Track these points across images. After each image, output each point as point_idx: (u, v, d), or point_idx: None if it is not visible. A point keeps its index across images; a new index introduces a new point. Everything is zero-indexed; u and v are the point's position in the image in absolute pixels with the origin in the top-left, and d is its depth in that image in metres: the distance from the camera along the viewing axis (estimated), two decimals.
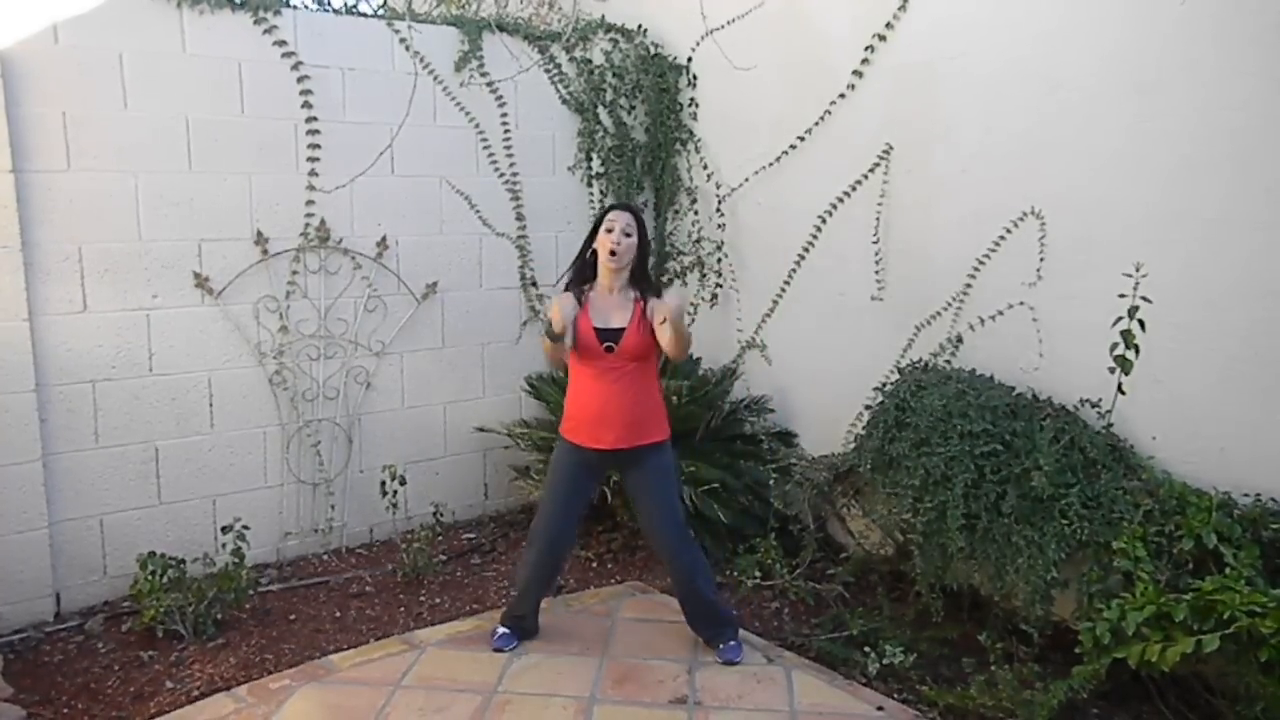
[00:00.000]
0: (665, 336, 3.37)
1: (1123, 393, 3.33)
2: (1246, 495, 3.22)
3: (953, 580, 3.76)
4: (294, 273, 4.52)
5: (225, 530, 4.15)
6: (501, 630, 3.79)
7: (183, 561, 3.98)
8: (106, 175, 4.03)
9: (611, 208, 3.66)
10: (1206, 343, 3.36)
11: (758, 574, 4.29)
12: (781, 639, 3.88)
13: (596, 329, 3.53)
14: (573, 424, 3.64)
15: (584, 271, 3.68)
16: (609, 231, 3.55)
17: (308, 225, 4.53)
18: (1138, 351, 3.22)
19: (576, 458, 3.64)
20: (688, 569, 3.68)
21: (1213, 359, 3.35)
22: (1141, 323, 3.19)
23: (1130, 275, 3.21)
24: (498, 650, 3.72)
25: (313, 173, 4.52)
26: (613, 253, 3.53)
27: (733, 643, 3.68)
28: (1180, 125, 3.37)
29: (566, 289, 3.69)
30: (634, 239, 3.57)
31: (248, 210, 4.38)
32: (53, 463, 4.00)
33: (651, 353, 3.60)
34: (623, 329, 3.53)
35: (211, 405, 4.39)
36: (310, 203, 4.53)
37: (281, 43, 4.38)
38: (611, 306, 3.58)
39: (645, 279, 3.67)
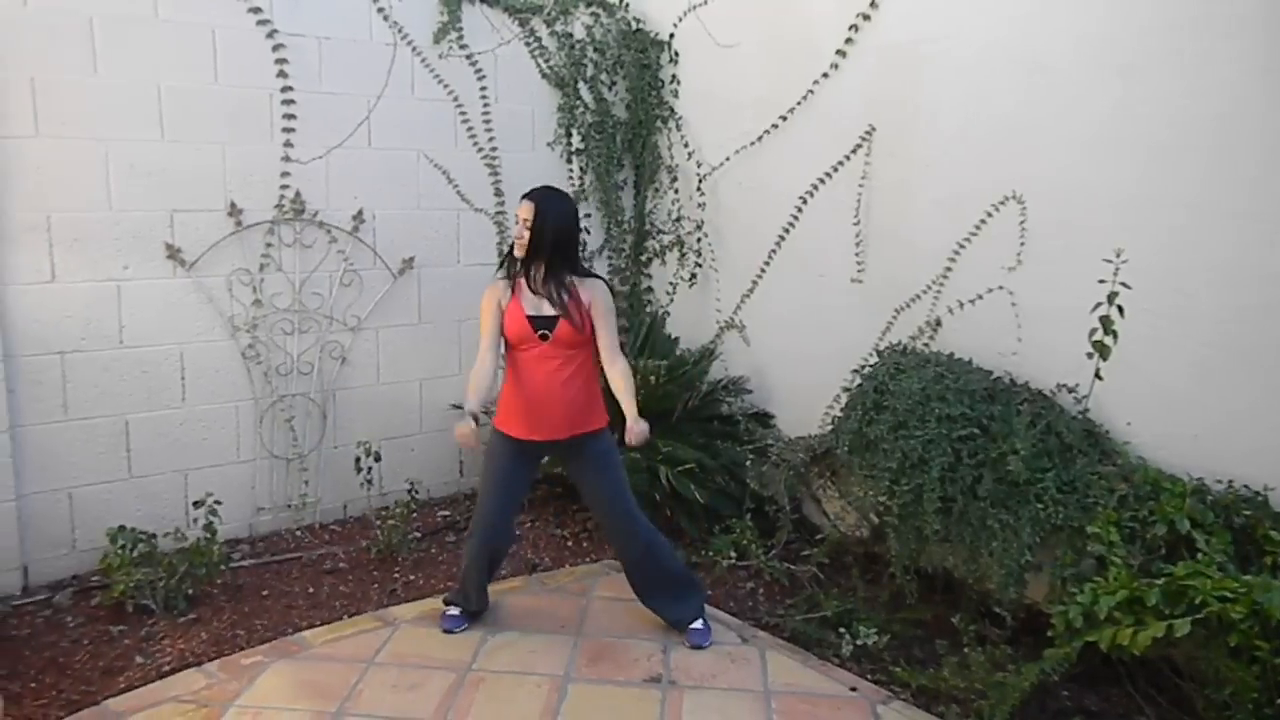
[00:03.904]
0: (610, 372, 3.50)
1: (1100, 378, 3.35)
2: (1219, 482, 3.24)
3: (927, 563, 3.79)
4: (268, 245, 4.45)
5: (197, 505, 4.10)
6: (450, 611, 3.75)
7: (153, 536, 3.93)
8: (76, 143, 3.95)
9: (523, 196, 3.48)
10: (1183, 329, 3.37)
11: (733, 554, 4.30)
12: (756, 619, 3.89)
13: (530, 316, 3.42)
14: (508, 416, 3.53)
15: (515, 260, 3.52)
16: (517, 222, 3.45)
17: (282, 197, 4.46)
18: (1115, 337, 3.23)
19: (513, 448, 3.54)
20: (643, 548, 3.61)
21: (1188, 346, 3.36)
22: (1120, 308, 3.20)
23: (1110, 261, 3.22)
24: (447, 631, 3.68)
25: (288, 144, 4.44)
26: (512, 247, 3.49)
27: (700, 625, 3.66)
28: (1160, 110, 3.37)
29: (506, 276, 3.54)
30: (529, 233, 3.39)
31: (221, 181, 4.30)
32: (20, 435, 3.94)
33: (589, 342, 3.49)
34: (556, 316, 3.41)
35: (183, 378, 4.32)
36: (285, 174, 4.46)
37: (256, 9, 4.29)
38: (543, 293, 3.44)
39: (570, 266, 3.47)
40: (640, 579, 3.71)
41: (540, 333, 3.42)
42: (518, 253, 3.46)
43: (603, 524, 3.72)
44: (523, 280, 3.49)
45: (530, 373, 3.47)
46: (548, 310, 3.43)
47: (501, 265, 3.63)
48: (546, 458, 3.65)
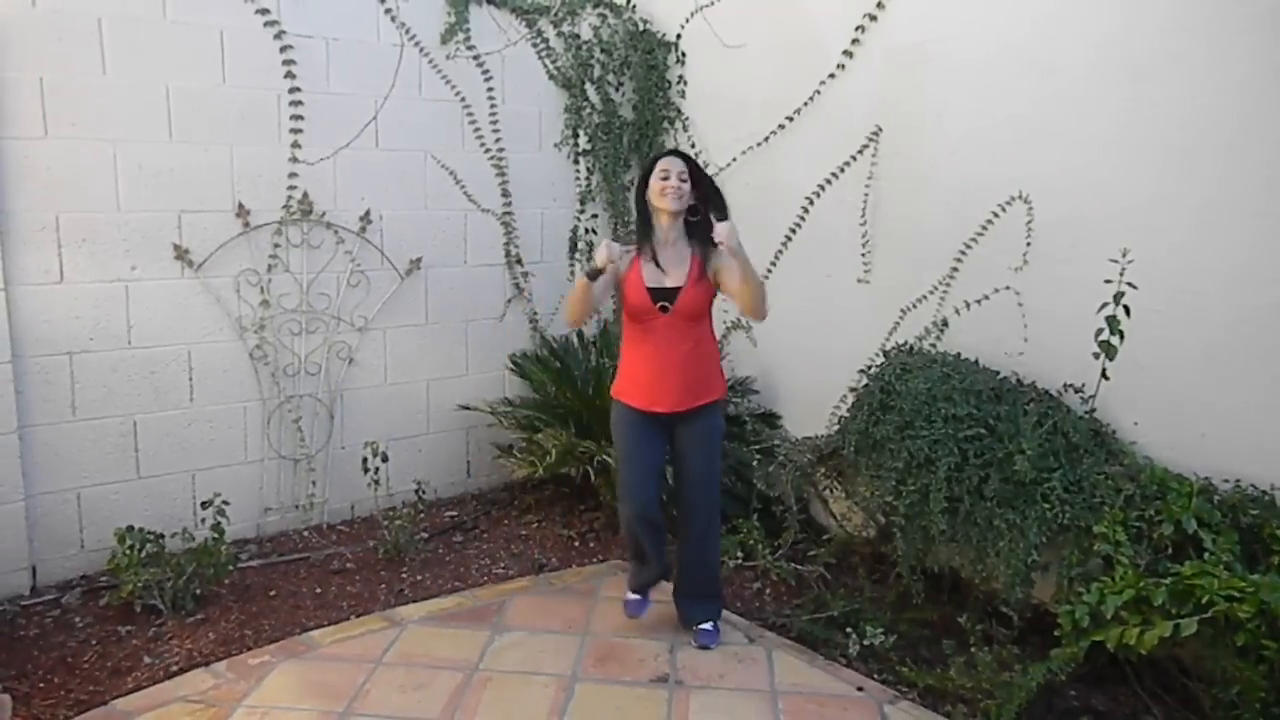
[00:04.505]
0: (734, 284, 3.30)
1: (1106, 378, 3.34)
2: (1226, 481, 3.23)
3: (934, 563, 3.78)
4: (276, 246, 4.47)
5: (205, 505, 4.12)
6: (632, 597, 3.75)
7: (161, 536, 3.94)
8: (85, 143, 3.96)
9: (660, 155, 3.46)
10: (1191, 330, 3.36)
11: (740, 555, 4.30)
12: (763, 619, 3.89)
13: (650, 289, 3.39)
14: (629, 387, 3.51)
15: (642, 228, 3.48)
16: (664, 179, 3.36)
17: (290, 198, 4.47)
18: (1122, 338, 3.23)
19: (638, 416, 3.52)
20: (703, 533, 3.61)
21: (1196, 346, 3.36)
22: (1127, 309, 3.20)
23: (1116, 261, 3.22)
24: (633, 616, 3.71)
25: (295, 144, 4.46)
26: (663, 196, 3.36)
27: (710, 626, 3.65)
28: (1171, 111, 3.37)
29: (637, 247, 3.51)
30: (688, 185, 3.37)
31: (229, 181, 4.32)
32: (29, 435, 3.96)
33: (708, 309, 3.48)
34: (678, 288, 3.38)
35: (191, 379, 4.34)
36: (293, 175, 4.47)
37: (264, 10, 4.30)
38: (666, 264, 3.40)
39: (701, 231, 3.42)
40: (685, 563, 3.67)
41: (660, 304, 3.39)
42: (670, 204, 3.36)
43: (681, 498, 3.65)
44: (644, 251, 3.44)
45: (650, 345, 3.44)
46: (669, 281, 3.39)
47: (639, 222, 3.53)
48: (676, 425, 3.56)
